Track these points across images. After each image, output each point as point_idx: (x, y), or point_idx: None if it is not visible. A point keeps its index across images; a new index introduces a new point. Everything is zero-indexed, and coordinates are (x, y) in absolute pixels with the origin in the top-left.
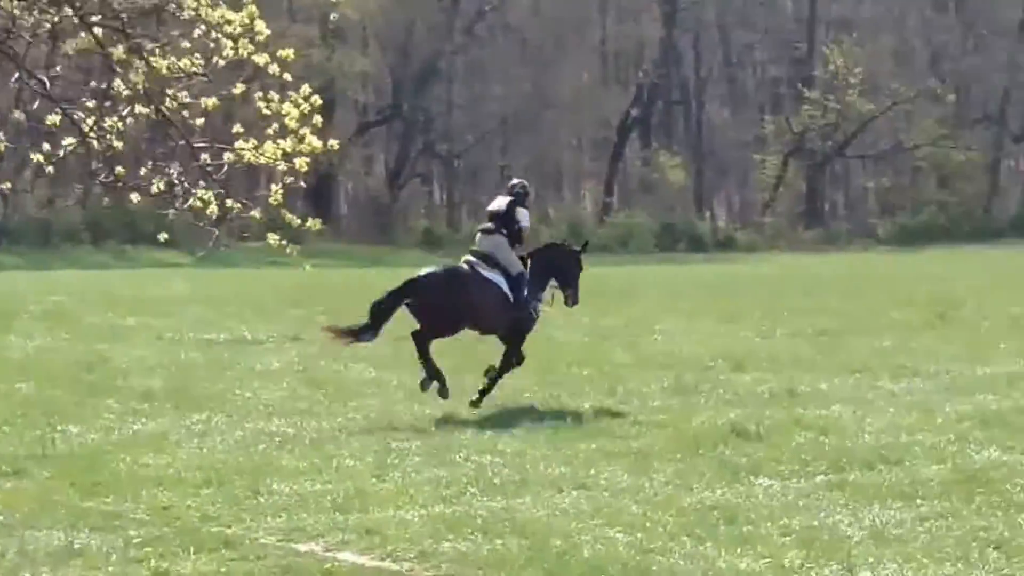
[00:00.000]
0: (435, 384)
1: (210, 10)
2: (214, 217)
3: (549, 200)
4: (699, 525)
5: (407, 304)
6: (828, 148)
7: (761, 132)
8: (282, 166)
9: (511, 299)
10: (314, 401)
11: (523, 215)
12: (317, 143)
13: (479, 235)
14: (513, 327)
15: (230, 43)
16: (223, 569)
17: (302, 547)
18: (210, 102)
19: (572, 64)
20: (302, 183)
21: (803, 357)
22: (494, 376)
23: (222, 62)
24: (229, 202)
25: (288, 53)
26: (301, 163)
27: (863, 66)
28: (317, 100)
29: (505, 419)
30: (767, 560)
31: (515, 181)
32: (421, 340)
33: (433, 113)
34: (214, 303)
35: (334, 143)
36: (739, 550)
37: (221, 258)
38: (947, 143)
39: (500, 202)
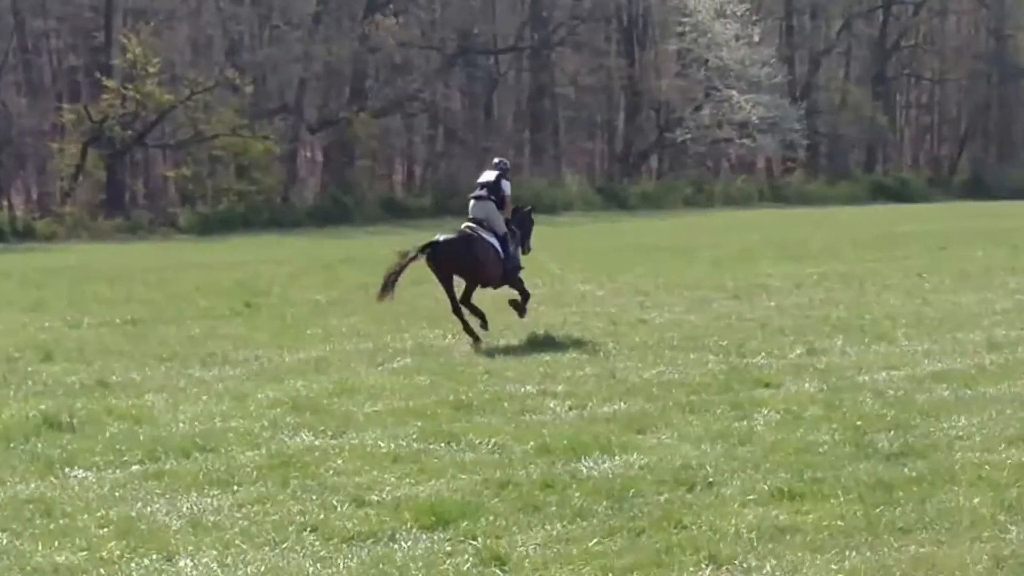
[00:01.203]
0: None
1: None
2: None
3: None
4: (13, 520)
5: (428, 259)
6: (128, 137)
7: (59, 120)
8: None
9: (502, 255)
10: None
11: (506, 186)
12: None
13: (473, 202)
14: (505, 278)
15: None
16: None
17: None
18: None
19: None
20: None
21: (113, 347)
22: (521, 306)
23: None
24: None
25: None
26: None
27: (161, 56)
28: None
29: None
30: (85, 552)
31: (498, 159)
32: (450, 294)
33: None
34: None
35: None
36: (57, 543)
37: None
38: (245, 133)
39: (489, 175)
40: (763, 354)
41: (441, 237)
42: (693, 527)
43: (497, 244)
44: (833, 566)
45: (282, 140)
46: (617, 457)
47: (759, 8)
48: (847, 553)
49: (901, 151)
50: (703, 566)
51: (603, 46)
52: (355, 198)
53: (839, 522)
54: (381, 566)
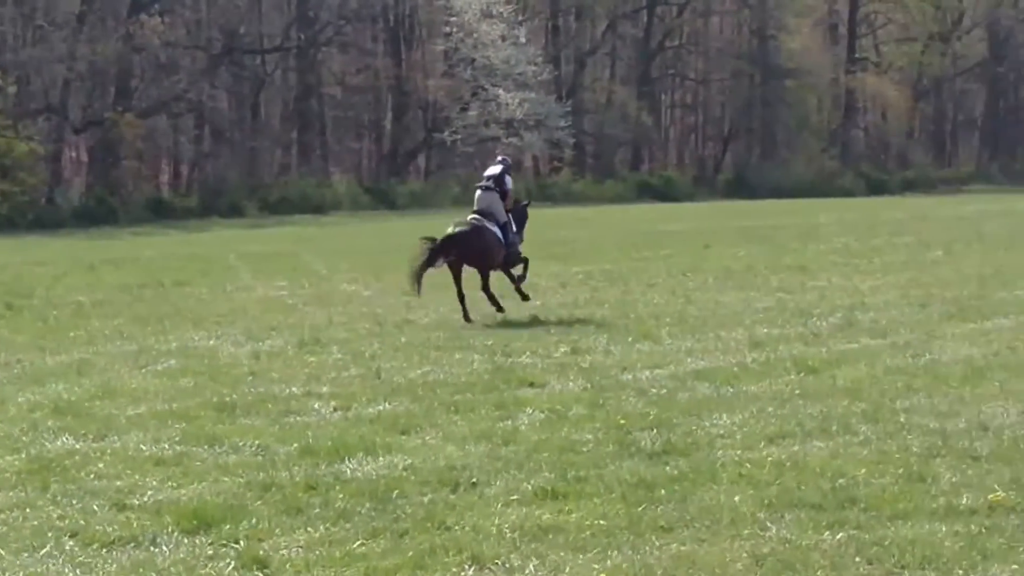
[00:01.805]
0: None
1: None
2: None
3: None
4: None
5: (442, 248)
6: None
7: None
8: None
9: (503, 242)
10: None
11: (509, 180)
12: None
13: (479, 192)
14: (505, 263)
15: None
16: None
17: None
18: None
19: None
20: None
21: None
22: (519, 282)
23: None
24: None
25: None
26: None
27: None
28: None
29: None
30: None
31: (502, 156)
32: (456, 280)
33: None
34: None
35: None
36: None
37: None
38: (9, 133)
39: (495, 169)
40: (528, 353)
41: (455, 229)
42: (456, 528)
43: (499, 232)
44: (595, 565)
45: (46, 140)
46: (381, 458)
47: (525, 8)
48: (609, 552)
49: (666, 150)
50: (466, 567)
51: (370, 46)
52: (121, 199)
53: (601, 521)
54: (141, 571)
